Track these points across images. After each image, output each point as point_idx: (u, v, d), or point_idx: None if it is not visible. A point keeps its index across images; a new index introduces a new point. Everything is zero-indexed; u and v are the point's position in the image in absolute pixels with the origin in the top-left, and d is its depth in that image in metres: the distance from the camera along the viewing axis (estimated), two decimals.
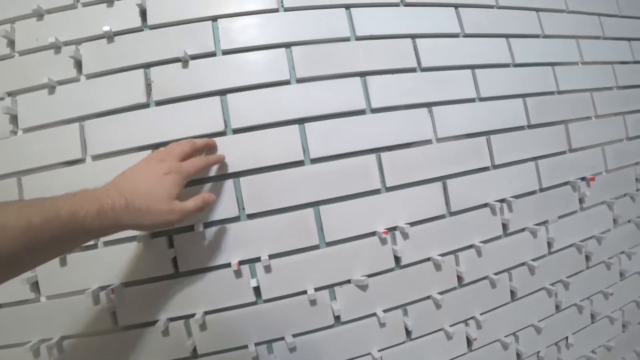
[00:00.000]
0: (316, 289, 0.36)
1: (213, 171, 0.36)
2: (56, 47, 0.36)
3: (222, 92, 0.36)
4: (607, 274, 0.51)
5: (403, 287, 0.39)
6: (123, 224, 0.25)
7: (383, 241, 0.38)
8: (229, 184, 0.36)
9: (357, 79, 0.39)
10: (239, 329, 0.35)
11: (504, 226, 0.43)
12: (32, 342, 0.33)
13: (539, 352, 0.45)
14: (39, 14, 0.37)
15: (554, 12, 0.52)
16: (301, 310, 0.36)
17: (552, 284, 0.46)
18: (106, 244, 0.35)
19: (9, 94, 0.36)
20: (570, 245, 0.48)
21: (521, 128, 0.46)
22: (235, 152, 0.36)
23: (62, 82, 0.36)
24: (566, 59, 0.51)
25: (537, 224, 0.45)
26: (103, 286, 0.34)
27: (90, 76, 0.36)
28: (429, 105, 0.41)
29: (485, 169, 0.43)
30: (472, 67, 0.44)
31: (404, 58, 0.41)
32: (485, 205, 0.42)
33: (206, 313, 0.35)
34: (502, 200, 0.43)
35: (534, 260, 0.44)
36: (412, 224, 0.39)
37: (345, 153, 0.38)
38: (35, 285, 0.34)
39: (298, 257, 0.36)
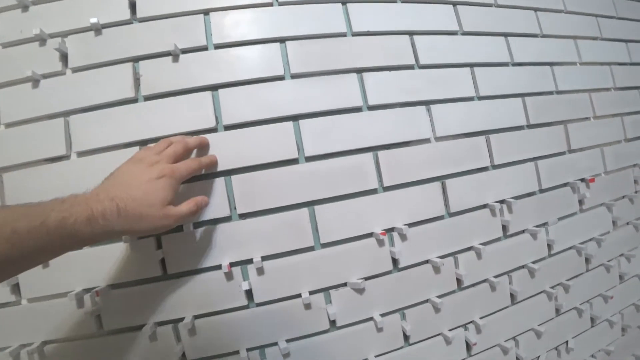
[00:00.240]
0: (311, 292, 0.35)
1: (204, 169, 0.34)
2: (41, 40, 0.35)
3: (214, 88, 0.35)
4: (607, 277, 0.51)
5: (401, 290, 0.38)
6: (115, 230, 0.24)
7: (380, 243, 0.37)
8: (220, 182, 0.34)
9: (354, 75, 0.38)
10: (230, 333, 0.34)
11: (504, 228, 0.43)
12: (12, 347, 0.31)
13: (539, 356, 0.45)
14: (24, 5, 0.36)
15: (552, 12, 0.52)
16: (295, 314, 0.35)
17: (553, 287, 0.45)
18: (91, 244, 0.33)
19: None
20: (570, 248, 0.47)
21: (520, 128, 0.46)
22: (226, 149, 0.34)
23: (46, 76, 0.35)
24: (565, 59, 0.51)
25: (536, 226, 0.44)
26: (87, 288, 0.33)
27: (76, 70, 0.35)
28: (427, 103, 0.41)
29: (485, 169, 0.43)
30: (471, 65, 0.44)
31: (402, 55, 0.41)
32: (485, 206, 0.42)
33: (196, 317, 0.33)
34: (501, 201, 0.42)
35: (534, 262, 0.44)
36: (411, 225, 0.38)
37: (341, 151, 0.37)
38: (15, 288, 0.33)
39: (292, 259, 0.35)
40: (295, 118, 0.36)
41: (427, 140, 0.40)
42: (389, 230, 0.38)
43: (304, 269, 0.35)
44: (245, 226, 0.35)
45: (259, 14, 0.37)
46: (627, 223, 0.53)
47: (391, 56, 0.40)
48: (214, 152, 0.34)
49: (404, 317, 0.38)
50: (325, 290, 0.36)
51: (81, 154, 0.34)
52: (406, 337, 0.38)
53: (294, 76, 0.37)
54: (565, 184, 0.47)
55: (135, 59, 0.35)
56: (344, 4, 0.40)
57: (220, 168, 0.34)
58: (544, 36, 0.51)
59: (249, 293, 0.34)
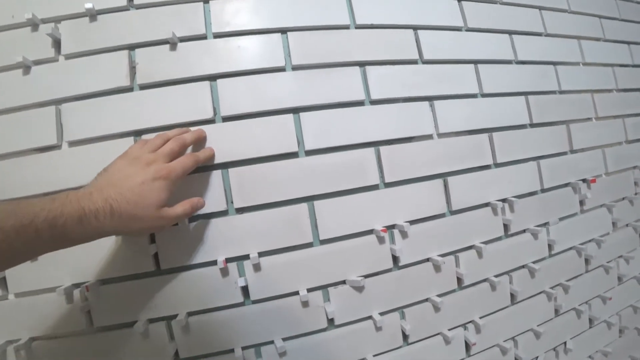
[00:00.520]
0: (309, 290, 0.34)
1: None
2: (33, 25, 0.34)
3: (212, 78, 0.34)
4: (606, 278, 0.51)
5: (401, 289, 0.37)
6: (107, 231, 0.24)
7: (381, 240, 0.36)
8: (217, 175, 0.33)
9: (356, 68, 0.38)
10: (225, 331, 0.33)
11: (505, 227, 0.42)
12: None
13: (537, 357, 0.45)
14: None
15: (557, 11, 0.52)
16: (292, 312, 0.34)
17: (552, 288, 0.45)
18: None
19: None
20: (571, 248, 0.47)
21: (523, 126, 0.45)
22: (224, 141, 0.34)
23: (38, 62, 0.34)
24: (568, 58, 0.51)
25: (538, 226, 0.44)
26: (77, 283, 0.32)
27: (69, 56, 0.34)
28: (430, 99, 0.40)
29: (487, 167, 0.42)
30: (475, 62, 0.43)
31: (406, 49, 0.40)
32: (487, 204, 0.41)
33: (189, 314, 0.33)
34: (503, 200, 0.42)
35: (534, 262, 0.43)
36: (412, 222, 0.37)
37: (343, 146, 0.36)
38: (2, 282, 0.32)
39: (290, 255, 0.34)
40: (295, 111, 0.35)
41: (429, 137, 0.40)
42: (390, 228, 0.37)
43: (302, 266, 0.35)
44: (242, 221, 0.34)
45: (260, 3, 0.36)
46: (627, 225, 0.54)
47: (395, 50, 0.39)
48: (211, 144, 0.33)
49: (403, 316, 0.38)
50: (324, 287, 0.35)
51: (73, 143, 0.33)
52: (405, 337, 0.37)
53: (295, 68, 0.36)
54: (566, 184, 0.47)
55: (132, 47, 0.34)
56: None
57: (217, 161, 0.33)
58: (547, 35, 0.50)
59: (245, 290, 0.34)
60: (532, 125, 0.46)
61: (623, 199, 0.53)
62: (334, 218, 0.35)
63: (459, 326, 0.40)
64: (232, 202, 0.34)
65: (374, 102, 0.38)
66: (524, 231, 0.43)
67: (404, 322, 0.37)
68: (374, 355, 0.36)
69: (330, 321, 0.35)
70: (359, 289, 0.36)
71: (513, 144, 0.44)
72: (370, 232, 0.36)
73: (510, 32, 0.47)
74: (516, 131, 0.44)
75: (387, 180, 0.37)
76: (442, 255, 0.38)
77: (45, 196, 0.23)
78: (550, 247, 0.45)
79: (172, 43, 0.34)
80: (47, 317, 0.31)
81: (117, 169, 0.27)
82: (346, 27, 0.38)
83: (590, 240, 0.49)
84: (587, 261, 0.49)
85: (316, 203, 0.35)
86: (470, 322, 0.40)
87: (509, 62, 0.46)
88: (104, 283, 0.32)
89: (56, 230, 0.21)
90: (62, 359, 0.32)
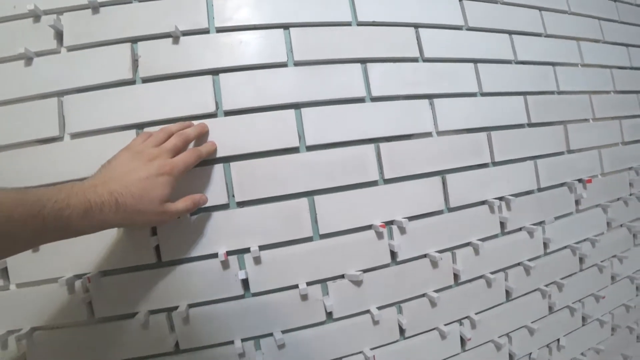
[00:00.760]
0: (308, 284, 0.35)
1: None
2: (35, 16, 0.34)
3: (215, 72, 0.35)
4: (600, 277, 0.52)
5: (398, 284, 0.38)
6: (110, 223, 0.24)
7: (379, 235, 0.37)
8: (218, 169, 0.34)
9: (358, 65, 0.38)
10: (225, 323, 0.34)
11: (502, 225, 0.43)
12: None
13: (531, 353, 0.45)
14: None
15: (557, 12, 0.53)
16: (291, 305, 0.35)
17: (547, 285, 0.46)
18: None
19: None
20: (566, 247, 0.48)
21: (521, 126, 0.46)
22: (226, 135, 0.34)
23: (40, 54, 0.34)
24: (567, 59, 0.52)
25: (534, 224, 0.45)
26: (78, 274, 0.32)
27: (71, 48, 0.34)
28: (430, 97, 0.41)
29: (485, 165, 0.43)
30: (475, 61, 0.44)
31: (406, 47, 0.40)
32: (484, 202, 0.42)
33: (190, 306, 0.33)
34: (500, 198, 0.43)
35: (530, 260, 0.44)
36: (410, 218, 0.38)
37: (343, 142, 0.37)
38: (4, 272, 0.32)
39: (290, 249, 0.35)
40: (297, 106, 0.36)
41: (429, 134, 0.40)
42: (389, 223, 0.38)
43: (302, 260, 0.35)
44: (243, 215, 0.34)
45: None
46: (621, 225, 0.54)
47: (396, 48, 0.40)
48: (213, 138, 0.34)
49: (400, 310, 0.38)
50: (323, 281, 0.36)
51: (75, 135, 0.33)
52: (402, 331, 0.38)
53: (297, 64, 0.37)
54: (563, 184, 0.48)
55: (134, 40, 0.34)
56: None
57: (219, 155, 0.34)
58: (547, 36, 0.51)
59: (245, 282, 0.34)
60: (530, 124, 0.46)
61: (618, 199, 0.54)
62: (334, 213, 0.36)
63: (454, 321, 0.40)
64: (233, 196, 0.34)
65: (375, 99, 0.38)
66: (520, 229, 0.44)
67: (401, 317, 0.38)
68: (371, 349, 0.36)
69: (329, 315, 0.36)
70: (358, 283, 0.36)
71: (511, 143, 0.44)
72: (369, 227, 0.37)
73: (511, 32, 0.47)
74: (514, 130, 0.45)
75: (387, 176, 0.38)
76: (440, 252, 0.39)
77: (52, 186, 0.23)
78: (545, 245, 0.46)
79: (174, 37, 0.34)
80: (49, 308, 0.32)
81: (121, 163, 0.27)
82: (348, 24, 0.39)
83: (585, 240, 0.49)
84: (581, 260, 0.49)
85: (316, 198, 0.36)
86: (466, 317, 0.41)
87: (508, 62, 0.47)
88: (105, 274, 0.32)
89: (62, 221, 0.21)
90: (63, 349, 0.32)
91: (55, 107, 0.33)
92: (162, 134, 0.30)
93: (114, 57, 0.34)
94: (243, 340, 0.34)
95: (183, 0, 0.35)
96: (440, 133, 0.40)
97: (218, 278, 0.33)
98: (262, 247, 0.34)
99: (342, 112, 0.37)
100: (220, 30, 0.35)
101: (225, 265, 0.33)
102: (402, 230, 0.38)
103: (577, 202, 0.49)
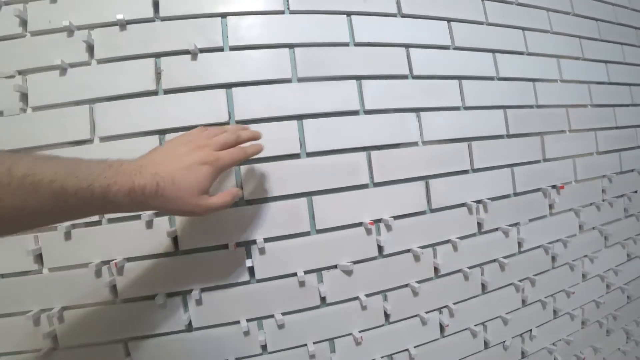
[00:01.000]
0: (305, 272, 0.39)
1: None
2: (69, 31, 0.37)
3: (228, 86, 0.38)
4: (571, 275, 0.55)
5: (384, 274, 0.42)
6: (149, 205, 0.25)
7: (368, 231, 0.41)
8: (230, 170, 0.38)
9: (353, 81, 0.42)
10: (233, 305, 0.37)
11: (479, 225, 0.47)
12: (33, 312, 0.34)
13: (504, 341, 0.49)
14: None
15: (539, 32, 0.56)
16: (291, 290, 0.39)
17: (520, 281, 0.49)
18: (110, 220, 0.36)
19: (20, 72, 0.37)
20: (539, 247, 0.51)
21: (500, 137, 0.50)
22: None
23: (73, 65, 0.37)
24: (546, 76, 0.55)
25: (509, 225, 0.48)
26: (105, 261, 0.36)
27: (101, 61, 0.38)
28: (417, 110, 0.44)
29: (465, 172, 0.47)
30: (460, 77, 0.47)
31: (398, 65, 0.44)
32: (463, 204, 0.46)
33: (202, 290, 0.37)
34: (478, 201, 0.47)
35: (504, 257, 0.48)
36: (396, 217, 0.42)
37: (339, 149, 0.41)
38: (38, 257, 0.36)
39: (290, 242, 0.39)
40: (299, 117, 0.40)
41: (415, 144, 0.44)
42: (377, 221, 0.41)
43: (300, 251, 0.39)
44: (251, 211, 0.38)
45: (271, 20, 0.40)
46: (593, 228, 0.57)
47: (388, 66, 0.44)
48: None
49: (385, 298, 0.42)
50: (318, 270, 0.40)
51: (103, 139, 0.37)
52: (387, 316, 0.42)
53: (301, 80, 0.40)
54: (538, 189, 0.52)
55: (157, 55, 0.38)
56: (348, 15, 0.43)
57: None
58: (529, 54, 0.54)
59: (251, 270, 0.38)
60: (509, 135, 0.50)
61: (591, 204, 0.57)
62: (329, 211, 0.40)
63: (434, 310, 0.44)
64: (243, 195, 0.38)
65: (368, 112, 0.42)
66: (497, 229, 0.48)
67: (386, 304, 0.42)
68: (360, 331, 0.40)
69: (323, 299, 0.40)
70: (348, 272, 0.40)
71: (490, 152, 0.48)
72: (359, 224, 0.41)
73: (494, 51, 0.51)
74: (494, 141, 0.49)
75: (376, 180, 0.42)
76: (422, 247, 0.43)
77: (102, 160, 0.23)
78: (519, 244, 0.50)
79: (193, 53, 0.38)
80: (78, 290, 0.35)
81: (171, 146, 0.27)
82: (346, 45, 0.43)
83: (557, 240, 0.53)
84: (553, 259, 0.53)
85: (314, 198, 0.39)
86: (444, 307, 0.45)
87: (491, 78, 0.50)
88: (128, 260, 0.36)
89: (108, 198, 0.22)
90: (89, 326, 0.36)
91: (87, 113, 0.36)
92: (216, 130, 0.30)
93: (139, 70, 0.37)
94: (248, 320, 0.38)
95: (201, 20, 0.39)
96: (425, 143, 0.45)
97: (228, 266, 0.37)
98: (266, 240, 0.38)
99: (338, 123, 0.41)
100: (234, 48, 0.39)
101: (234, 254, 0.37)
102: (389, 228, 0.42)
103: (550, 206, 0.53)
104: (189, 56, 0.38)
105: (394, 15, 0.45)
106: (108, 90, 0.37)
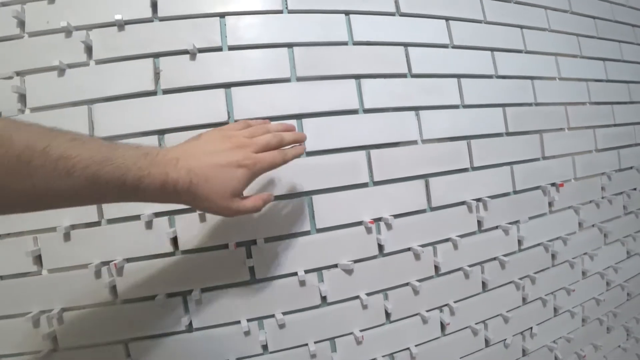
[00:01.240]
0: (306, 271, 0.39)
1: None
2: (67, 32, 0.37)
3: (227, 85, 0.38)
4: (571, 272, 0.55)
5: (385, 273, 0.42)
6: (180, 199, 0.24)
7: (369, 230, 0.41)
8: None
9: (352, 80, 0.42)
10: (233, 305, 0.37)
11: (479, 223, 0.47)
12: (32, 313, 0.34)
13: (505, 339, 0.49)
14: None
15: (537, 30, 0.56)
16: (291, 290, 0.39)
17: (520, 279, 0.49)
18: (110, 221, 0.36)
19: (18, 73, 0.37)
20: (539, 244, 0.52)
21: (499, 135, 0.50)
22: None
23: (72, 66, 0.37)
24: (545, 74, 0.55)
25: (509, 223, 0.48)
26: (105, 261, 0.35)
27: (99, 62, 0.38)
28: (416, 109, 0.45)
29: (465, 170, 0.47)
30: (458, 76, 0.48)
31: (396, 64, 0.44)
32: (463, 203, 0.46)
33: (203, 290, 0.37)
34: (478, 200, 0.47)
35: (505, 255, 0.48)
36: (396, 216, 0.42)
37: (338, 148, 0.41)
38: (38, 258, 0.35)
39: (290, 241, 0.39)
40: (298, 117, 0.40)
41: (414, 142, 0.44)
42: (377, 220, 0.42)
43: (301, 251, 0.39)
44: None
45: (270, 20, 0.40)
46: (593, 225, 0.58)
47: (387, 65, 0.44)
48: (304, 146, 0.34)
49: (386, 297, 0.42)
50: (319, 270, 0.40)
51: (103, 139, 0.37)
52: (388, 315, 0.42)
53: (300, 79, 0.41)
54: (537, 187, 0.52)
55: (156, 55, 0.38)
56: (347, 14, 0.43)
57: None
58: (527, 52, 0.54)
59: (251, 270, 0.38)
60: (508, 134, 0.50)
61: (590, 202, 0.57)
62: (329, 210, 0.40)
63: (435, 308, 0.44)
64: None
65: (367, 111, 0.43)
66: (496, 227, 0.48)
67: (387, 303, 0.42)
68: (360, 330, 0.40)
69: (324, 299, 0.40)
70: (349, 272, 0.40)
71: (489, 150, 0.48)
72: (359, 223, 0.41)
73: (493, 49, 0.51)
74: (493, 139, 0.49)
75: (376, 179, 0.42)
76: (422, 246, 0.43)
77: (138, 146, 0.22)
78: (519, 242, 0.50)
79: (192, 53, 0.38)
80: (77, 290, 0.35)
81: (209, 140, 0.26)
82: (345, 44, 0.43)
83: (557, 238, 0.53)
84: (553, 256, 0.53)
85: (314, 197, 0.40)
86: (445, 305, 0.45)
87: (489, 76, 0.50)
88: (128, 261, 0.36)
89: (139, 188, 0.21)
90: (89, 327, 0.35)
91: (85, 113, 0.36)
92: (260, 129, 0.29)
93: (138, 70, 0.37)
94: (249, 320, 0.37)
95: (199, 20, 0.39)
96: (424, 141, 0.45)
97: (228, 265, 0.37)
98: (267, 239, 0.38)
99: (338, 122, 0.41)
100: (232, 48, 0.39)
101: (234, 254, 0.37)
102: (389, 226, 0.42)
103: (550, 204, 0.53)
104: (187, 56, 0.38)
105: (392, 14, 0.45)
106: (106, 90, 0.37)
